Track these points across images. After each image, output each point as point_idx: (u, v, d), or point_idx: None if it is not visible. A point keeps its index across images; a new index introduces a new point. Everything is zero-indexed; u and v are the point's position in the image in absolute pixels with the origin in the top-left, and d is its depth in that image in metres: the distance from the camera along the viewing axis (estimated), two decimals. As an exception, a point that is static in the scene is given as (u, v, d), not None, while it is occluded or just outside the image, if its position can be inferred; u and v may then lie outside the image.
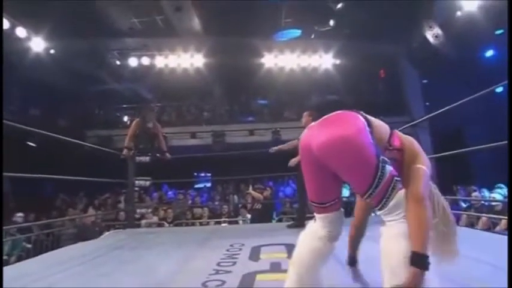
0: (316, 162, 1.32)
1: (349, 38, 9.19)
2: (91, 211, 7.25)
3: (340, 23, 8.62)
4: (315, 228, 1.41)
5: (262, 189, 5.91)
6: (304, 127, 3.21)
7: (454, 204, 6.30)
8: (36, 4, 7.47)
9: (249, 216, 6.30)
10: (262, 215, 5.50)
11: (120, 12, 8.93)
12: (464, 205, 6.07)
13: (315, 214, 1.43)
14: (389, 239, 1.19)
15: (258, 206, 5.57)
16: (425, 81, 10.62)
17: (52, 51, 8.99)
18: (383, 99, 10.81)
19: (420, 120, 4.58)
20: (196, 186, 10.96)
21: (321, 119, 1.38)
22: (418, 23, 8.67)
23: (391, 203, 1.22)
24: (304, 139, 1.38)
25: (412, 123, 4.50)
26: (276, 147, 4.20)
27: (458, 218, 5.59)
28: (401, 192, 1.24)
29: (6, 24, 7.48)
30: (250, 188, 5.94)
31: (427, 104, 10.24)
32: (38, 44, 8.54)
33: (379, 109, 10.20)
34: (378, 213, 1.27)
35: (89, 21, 8.33)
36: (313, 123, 1.42)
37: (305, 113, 3.81)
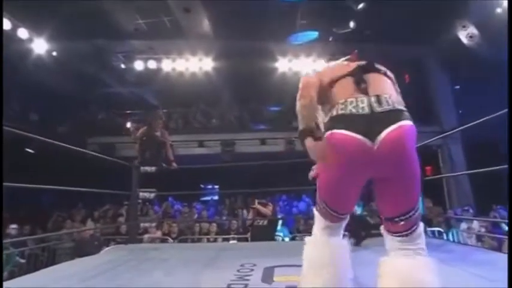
0: (365, 170, 1.26)
1: (370, 41, 9.11)
2: (90, 223, 7.29)
3: (361, 25, 8.59)
4: (327, 237, 1.44)
5: (264, 203, 5.79)
6: None
7: (496, 227, 6.00)
8: (39, 4, 7.69)
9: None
10: (266, 232, 5.38)
11: (125, 13, 9.10)
12: (506, 228, 5.80)
13: (325, 221, 1.42)
14: (421, 271, 1.19)
15: (264, 222, 5.46)
16: (457, 86, 10.41)
17: (54, 53, 9.22)
18: (408, 107, 10.65)
19: (453, 131, 4.39)
20: (202, 199, 10.94)
21: None
22: (450, 22, 8.50)
23: (417, 231, 1.24)
24: (346, 148, 1.23)
25: (444, 135, 4.31)
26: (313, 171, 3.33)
27: (500, 244, 5.30)
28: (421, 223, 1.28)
29: (7, 25, 7.71)
30: (256, 202, 5.84)
31: (460, 112, 10.01)
32: (40, 46, 8.78)
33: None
34: (397, 239, 1.26)
35: (92, 22, 8.53)
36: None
37: None
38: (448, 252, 3.00)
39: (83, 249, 5.77)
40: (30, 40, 8.56)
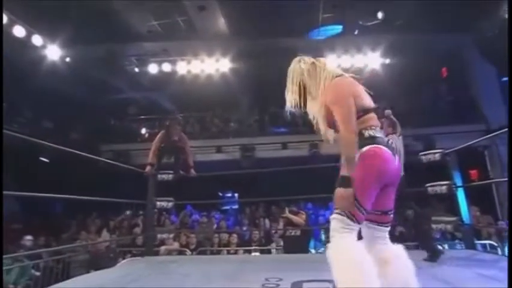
0: (390, 176, 1.81)
1: (401, 32, 8.86)
2: (105, 234, 7.45)
3: (390, 15, 8.35)
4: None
5: (295, 212, 5.72)
6: None
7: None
8: (53, 11, 7.99)
9: (274, 245, 6.12)
10: (300, 244, 5.31)
11: (138, 15, 9.30)
12: None
13: (348, 220, 1.72)
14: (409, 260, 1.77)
15: (296, 232, 5.38)
16: (505, 78, 9.90)
17: (68, 59, 9.56)
18: (448, 104, 10.26)
19: (502, 131, 4.03)
20: (221, 208, 10.97)
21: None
22: (495, 5, 8.06)
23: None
24: (387, 162, 1.78)
25: (492, 135, 3.99)
26: None
27: None
28: None
29: (22, 32, 8.08)
30: (287, 210, 5.78)
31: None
32: (53, 52, 9.14)
33: (444, 116, 9.63)
34: (383, 229, 1.83)
35: (105, 25, 8.78)
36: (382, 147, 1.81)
37: None
38: (505, 271, 2.78)
39: (98, 261, 5.90)
40: (44, 47, 8.92)
